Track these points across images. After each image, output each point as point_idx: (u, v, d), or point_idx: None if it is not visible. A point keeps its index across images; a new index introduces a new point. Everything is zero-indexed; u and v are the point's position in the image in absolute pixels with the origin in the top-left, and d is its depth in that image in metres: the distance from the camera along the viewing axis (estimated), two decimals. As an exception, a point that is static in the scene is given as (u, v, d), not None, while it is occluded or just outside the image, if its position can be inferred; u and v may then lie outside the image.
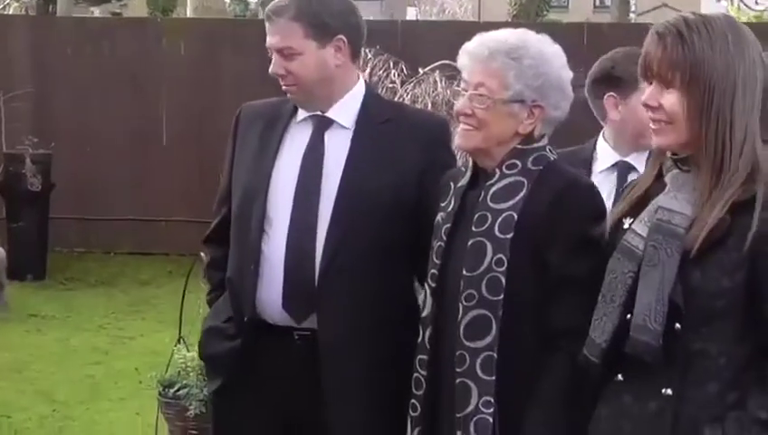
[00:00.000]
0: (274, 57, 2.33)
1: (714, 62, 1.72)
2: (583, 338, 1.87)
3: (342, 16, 2.38)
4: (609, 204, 2.53)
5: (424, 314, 2.14)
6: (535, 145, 2.13)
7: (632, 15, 18.64)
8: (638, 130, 2.66)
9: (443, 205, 2.15)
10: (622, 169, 2.78)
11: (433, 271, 2.11)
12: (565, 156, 2.66)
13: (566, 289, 1.99)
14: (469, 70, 2.10)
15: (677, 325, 1.74)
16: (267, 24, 2.35)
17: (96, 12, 20.94)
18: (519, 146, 2.10)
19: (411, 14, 16.66)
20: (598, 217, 1.99)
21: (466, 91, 2.08)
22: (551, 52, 2.12)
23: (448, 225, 2.10)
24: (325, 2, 2.38)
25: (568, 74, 2.14)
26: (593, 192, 2.09)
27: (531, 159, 2.08)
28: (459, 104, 2.12)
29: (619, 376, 1.84)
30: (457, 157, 2.39)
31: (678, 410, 1.76)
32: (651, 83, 1.78)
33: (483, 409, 1.99)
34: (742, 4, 7.43)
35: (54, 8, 16.53)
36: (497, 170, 2.07)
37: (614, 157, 2.81)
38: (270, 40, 2.33)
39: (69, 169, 7.94)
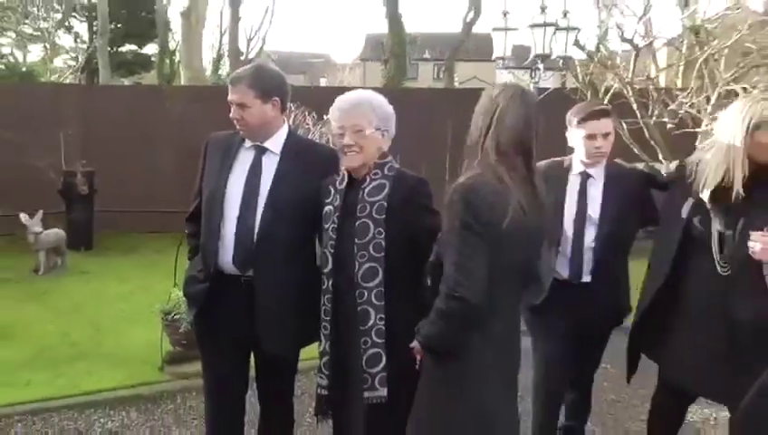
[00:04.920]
0: (234, 108, 2.84)
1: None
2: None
3: (278, 86, 2.91)
4: (574, 199, 3.30)
5: (326, 269, 2.64)
6: (386, 160, 2.68)
7: (456, 83, 21.15)
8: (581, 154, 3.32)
9: (328, 200, 2.68)
10: (584, 176, 3.36)
11: (331, 242, 2.62)
12: (550, 162, 3.37)
13: (429, 240, 2.44)
14: (345, 117, 2.62)
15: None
16: (230, 86, 2.87)
17: (125, 81, 22.92)
18: (378, 160, 2.65)
19: (323, 82, 18.64)
20: (430, 198, 2.60)
21: (343, 130, 2.61)
22: (384, 100, 2.72)
23: (338, 213, 2.63)
24: (267, 76, 2.91)
25: (392, 111, 2.72)
26: (428, 185, 2.65)
27: (386, 167, 2.64)
28: (346, 140, 2.60)
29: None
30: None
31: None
32: None
33: (378, 322, 2.53)
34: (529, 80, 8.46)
35: (98, 79, 18.97)
36: (368, 177, 2.62)
37: (579, 167, 3.36)
38: (231, 96, 2.85)
39: (106, 181, 9.44)
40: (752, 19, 7.43)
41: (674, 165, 3.17)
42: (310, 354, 2.95)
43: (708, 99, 7.31)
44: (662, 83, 8.50)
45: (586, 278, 3.31)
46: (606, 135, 3.30)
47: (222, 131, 3.05)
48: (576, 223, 3.30)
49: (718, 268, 2.77)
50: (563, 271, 3.31)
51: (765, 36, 7.34)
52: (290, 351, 2.99)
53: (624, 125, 7.45)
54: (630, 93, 7.54)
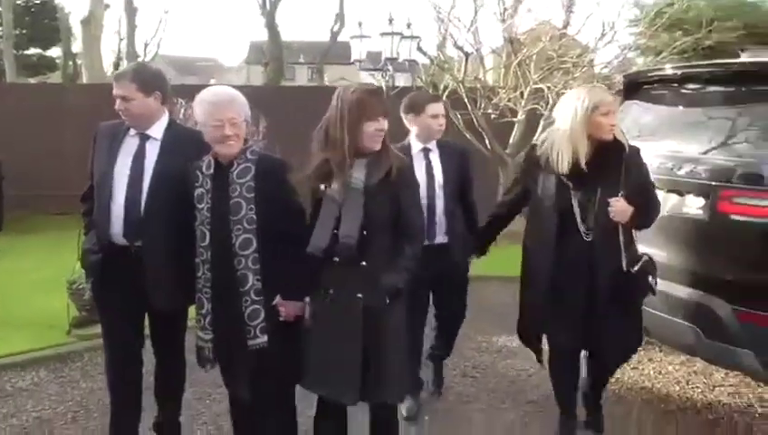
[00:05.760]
0: (119, 101, 2.75)
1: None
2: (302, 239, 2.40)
3: (159, 81, 2.83)
4: (423, 172, 3.27)
5: (204, 243, 2.52)
6: (247, 145, 2.56)
7: (326, 83, 20.27)
8: (424, 133, 3.37)
9: (198, 184, 2.54)
10: (426, 151, 3.39)
11: (206, 220, 2.51)
12: (398, 146, 3.19)
13: (290, 212, 2.48)
14: (221, 111, 2.43)
15: (365, 232, 2.35)
16: (115, 83, 2.76)
17: (31, 80, 20.49)
18: (242, 146, 2.54)
19: (213, 82, 18.11)
20: (288, 174, 2.52)
21: (221, 122, 2.42)
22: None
23: (210, 195, 2.51)
24: (148, 73, 2.85)
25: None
26: (286, 165, 2.57)
27: (248, 152, 2.54)
28: (226, 131, 2.43)
29: (336, 259, 2.39)
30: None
31: (370, 270, 2.38)
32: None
33: (256, 283, 2.49)
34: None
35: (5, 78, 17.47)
36: (236, 162, 2.49)
37: (419, 145, 3.40)
38: (116, 91, 2.75)
39: (16, 169, 8.90)
40: (552, 33, 7.79)
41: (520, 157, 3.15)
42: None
43: (522, 94, 7.63)
44: (490, 83, 8.76)
45: (442, 239, 3.32)
46: (443, 115, 3.40)
47: (109, 121, 2.89)
48: (428, 190, 3.29)
49: (583, 235, 2.75)
50: None
51: (563, 46, 7.72)
52: (178, 308, 2.90)
53: (459, 116, 7.64)
54: (463, 91, 7.73)
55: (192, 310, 2.85)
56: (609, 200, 2.72)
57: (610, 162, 2.75)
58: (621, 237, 2.75)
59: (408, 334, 3.26)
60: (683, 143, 3.33)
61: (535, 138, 4.76)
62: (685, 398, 3.80)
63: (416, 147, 3.38)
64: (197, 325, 2.63)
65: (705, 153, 3.19)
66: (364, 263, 2.39)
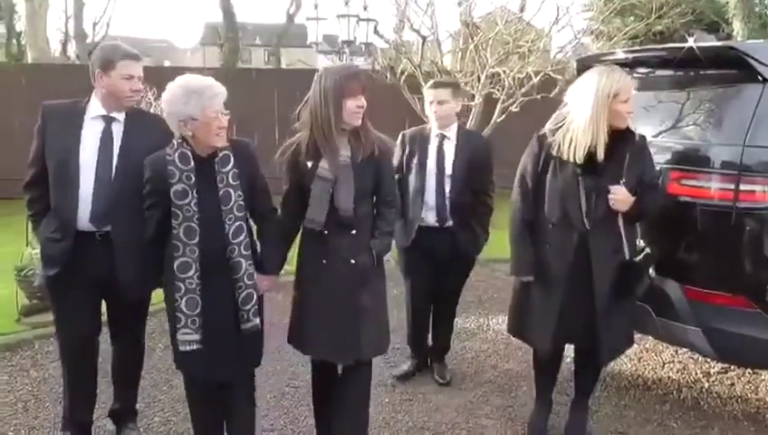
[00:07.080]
0: (135, 80, 2.70)
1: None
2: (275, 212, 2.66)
3: None
4: (434, 157, 3.34)
5: (195, 240, 2.44)
6: None
7: (284, 66, 19.54)
8: (432, 119, 3.45)
9: (175, 180, 2.43)
10: (441, 137, 3.44)
11: (194, 216, 2.44)
12: (419, 128, 3.50)
13: (262, 191, 2.61)
14: (216, 102, 2.42)
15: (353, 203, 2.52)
16: (136, 62, 2.71)
17: None
18: None
19: (167, 64, 17.55)
20: (257, 159, 2.59)
21: (217, 114, 2.41)
22: None
23: (196, 188, 2.44)
24: None
25: None
26: (253, 147, 2.64)
27: None
28: (223, 122, 2.43)
29: (326, 231, 2.56)
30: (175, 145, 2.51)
31: (359, 237, 2.56)
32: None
33: (249, 268, 2.49)
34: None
35: None
36: (219, 152, 2.48)
37: (437, 131, 3.43)
38: (138, 71, 2.71)
39: None
40: (507, 17, 7.83)
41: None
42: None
43: (479, 78, 7.67)
44: (447, 67, 8.76)
45: (449, 222, 3.41)
46: (441, 102, 3.40)
47: (54, 101, 2.77)
48: (437, 177, 3.38)
49: (586, 224, 2.71)
50: (431, 218, 3.40)
51: (518, 31, 7.77)
52: (145, 294, 2.89)
53: (417, 99, 7.64)
54: (420, 74, 7.73)
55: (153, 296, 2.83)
56: (611, 188, 2.68)
57: (619, 151, 2.70)
58: (622, 226, 2.72)
59: (415, 305, 3.64)
60: (634, 126, 3.39)
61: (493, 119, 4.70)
62: (636, 375, 3.90)
63: (434, 131, 3.46)
64: (185, 327, 2.48)
65: (656, 136, 3.24)
66: (354, 231, 2.56)
